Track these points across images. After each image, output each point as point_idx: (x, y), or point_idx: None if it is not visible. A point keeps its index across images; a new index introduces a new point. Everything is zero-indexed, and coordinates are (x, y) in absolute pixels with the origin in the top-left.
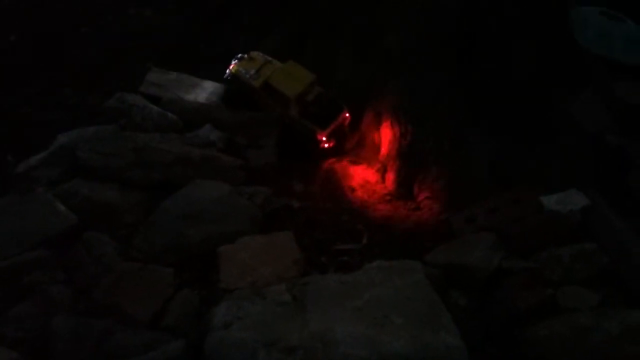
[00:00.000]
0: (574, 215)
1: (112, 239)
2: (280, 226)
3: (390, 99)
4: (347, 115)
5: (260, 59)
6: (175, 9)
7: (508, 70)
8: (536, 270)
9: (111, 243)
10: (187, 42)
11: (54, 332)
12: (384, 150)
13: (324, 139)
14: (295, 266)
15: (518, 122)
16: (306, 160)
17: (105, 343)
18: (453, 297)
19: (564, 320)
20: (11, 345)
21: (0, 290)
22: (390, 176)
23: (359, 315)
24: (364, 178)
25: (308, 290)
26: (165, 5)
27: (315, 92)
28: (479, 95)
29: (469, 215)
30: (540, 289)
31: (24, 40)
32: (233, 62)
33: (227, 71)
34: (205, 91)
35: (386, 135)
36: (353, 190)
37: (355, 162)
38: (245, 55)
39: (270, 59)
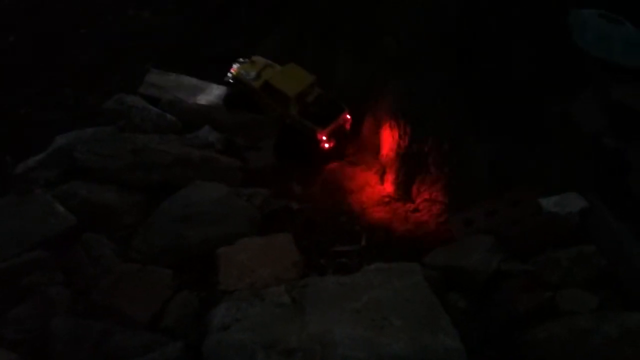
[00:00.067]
0: (573, 217)
1: (110, 240)
2: (279, 228)
3: (390, 99)
4: (348, 117)
5: (261, 62)
6: (174, 9)
7: (508, 70)
8: (535, 273)
9: (110, 244)
10: (187, 43)
11: (53, 333)
12: (383, 151)
13: (324, 138)
14: (294, 268)
15: (517, 123)
16: (306, 165)
17: (104, 344)
18: (452, 299)
19: (563, 322)
20: (10, 347)
21: None
22: (389, 178)
23: (357, 317)
24: (363, 179)
25: (307, 292)
26: (165, 6)
27: (316, 93)
28: (478, 96)
29: (468, 217)
30: (539, 291)
31: (23, 40)
32: (235, 65)
33: (229, 74)
34: (204, 92)
35: (385, 137)
36: (352, 191)
37: (354, 164)
38: (247, 59)
39: (271, 62)
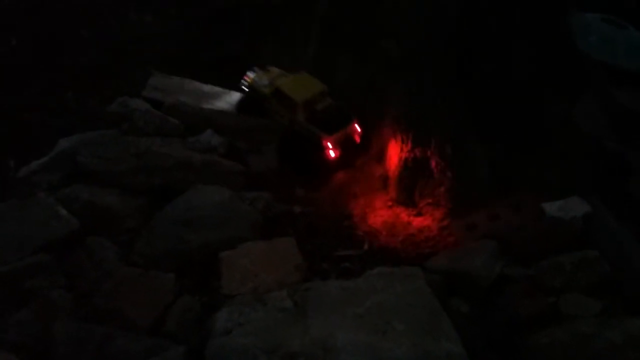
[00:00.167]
0: (576, 222)
1: (113, 243)
2: (281, 232)
3: (391, 101)
4: (358, 128)
5: (275, 72)
6: (176, 13)
7: (508, 70)
8: (538, 278)
9: (112, 248)
10: (188, 47)
11: (54, 337)
12: (385, 155)
13: (330, 145)
14: (297, 272)
15: (518, 124)
16: (310, 174)
17: (106, 348)
18: (454, 304)
19: (566, 327)
20: (12, 350)
21: (1, 295)
22: (392, 182)
23: (360, 322)
24: (365, 184)
25: (309, 296)
26: (166, 10)
27: (326, 102)
28: (479, 96)
29: (470, 222)
30: (542, 296)
31: (24, 43)
32: (249, 74)
33: (243, 81)
34: (207, 95)
35: (388, 140)
36: (355, 195)
37: (357, 168)
38: (262, 69)
39: (285, 72)
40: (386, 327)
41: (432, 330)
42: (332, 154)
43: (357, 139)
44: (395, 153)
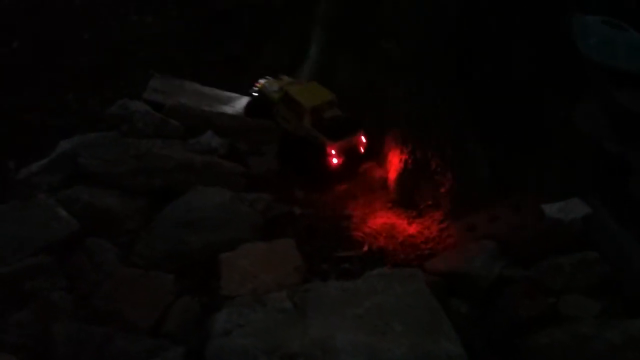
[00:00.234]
0: (576, 223)
1: (113, 245)
2: (281, 233)
3: (391, 103)
4: (364, 140)
5: (286, 80)
6: (176, 15)
7: (508, 70)
8: (538, 279)
9: (112, 249)
10: (188, 47)
11: (54, 338)
12: (385, 157)
13: (333, 152)
14: (297, 273)
15: (519, 125)
16: (311, 181)
17: (106, 349)
18: (454, 305)
19: (566, 328)
20: (12, 351)
21: (1, 296)
22: (392, 183)
23: (359, 323)
24: (365, 185)
25: (309, 297)
26: (167, 12)
27: (334, 111)
28: (479, 96)
29: (470, 223)
30: (542, 297)
31: (24, 44)
32: (261, 80)
33: (254, 87)
34: (208, 98)
35: (388, 142)
36: (354, 197)
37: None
38: (274, 77)
39: (296, 81)
40: (386, 328)
41: (432, 330)
42: (334, 160)
43: (362, 150)
44: (395, 154)
